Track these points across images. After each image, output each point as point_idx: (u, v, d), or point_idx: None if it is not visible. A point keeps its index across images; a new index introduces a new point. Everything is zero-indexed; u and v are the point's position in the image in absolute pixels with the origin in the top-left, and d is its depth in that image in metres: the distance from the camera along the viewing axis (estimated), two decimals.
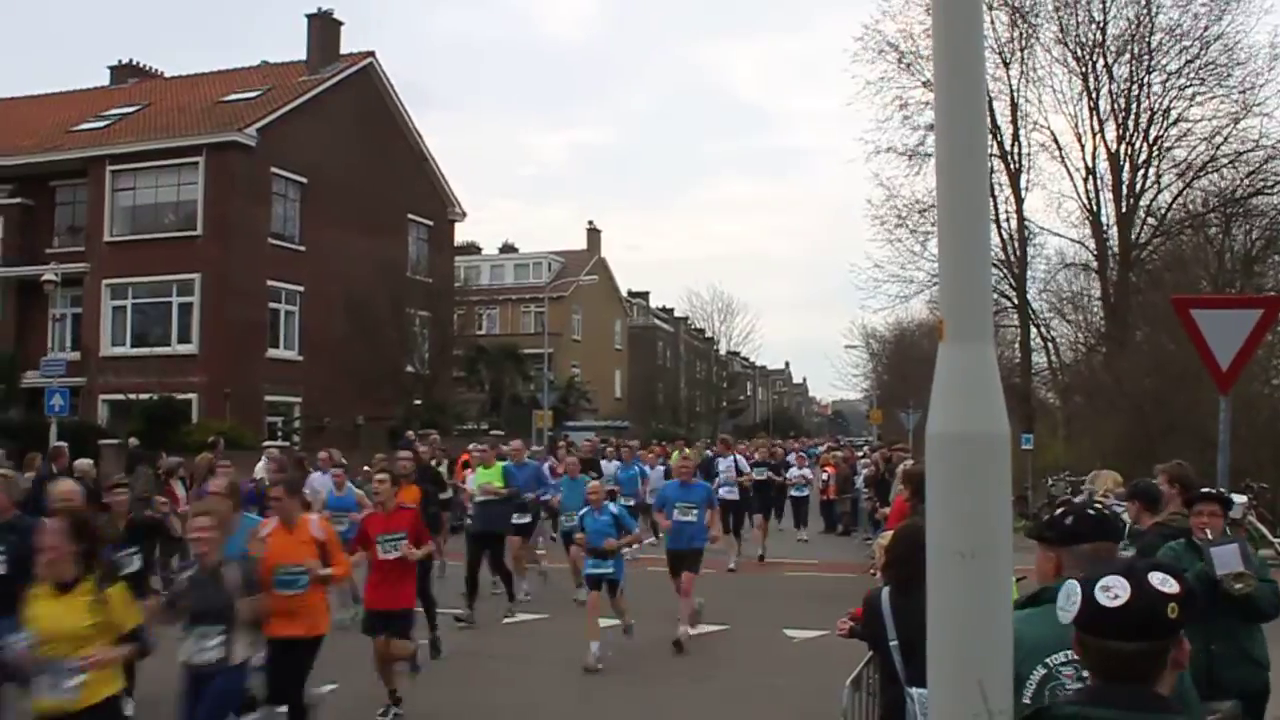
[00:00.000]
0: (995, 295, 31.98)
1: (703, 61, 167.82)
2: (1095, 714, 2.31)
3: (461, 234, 50.01)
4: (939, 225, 2.47)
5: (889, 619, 4.59)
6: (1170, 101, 29.45)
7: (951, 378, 2.34)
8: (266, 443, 25.99)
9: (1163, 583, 2.38)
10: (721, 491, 16.41)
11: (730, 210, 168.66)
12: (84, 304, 33.17)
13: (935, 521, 2.33)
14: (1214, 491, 6.05)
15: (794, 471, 23.13)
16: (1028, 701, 2.82)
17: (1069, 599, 2.38)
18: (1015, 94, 30.71)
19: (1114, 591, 2.34)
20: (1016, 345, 34.44)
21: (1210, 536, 5.76)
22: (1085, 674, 2.80)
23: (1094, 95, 30.20)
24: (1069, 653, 2.81)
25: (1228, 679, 5.42)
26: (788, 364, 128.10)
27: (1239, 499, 18.31)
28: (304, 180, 34.40)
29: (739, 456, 18.94)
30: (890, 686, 4.65)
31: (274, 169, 33.34)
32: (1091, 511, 3.27)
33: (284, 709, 7.34)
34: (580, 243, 68.10)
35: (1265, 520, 19.22)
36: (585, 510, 11.31)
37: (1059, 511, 3.32)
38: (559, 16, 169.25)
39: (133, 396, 29.99)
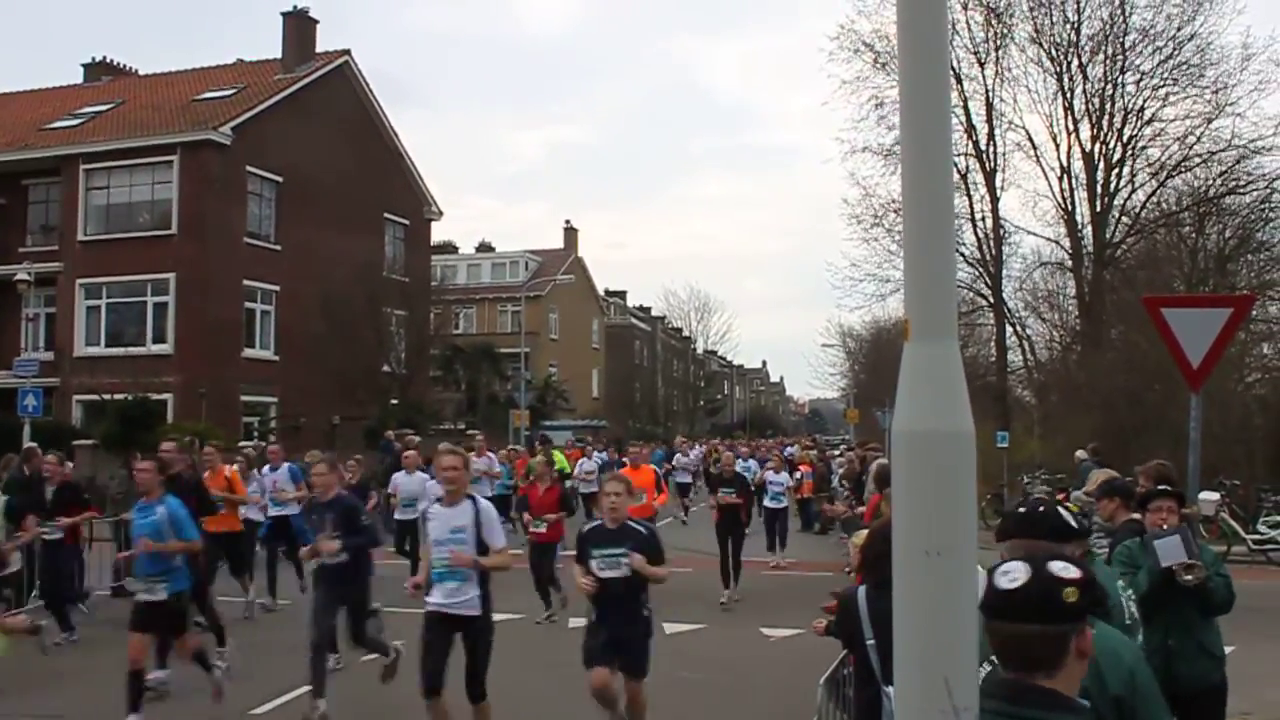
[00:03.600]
0: (971, 294, 32.30)
1: (684, 58, 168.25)
2: (983, 704, 2.35)
3: (438, 232, 49.99)
4: (904, 223, 2.48)
5: (866, 618, 4.60)
6: (1144, 101, 29.72)
7: (917, 375, 2.35)
8: (242, 443, 25.87)
9: (1062, 569, 2.50)
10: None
11: (709, 208, 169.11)
12: (57, 304, 33.00)
13: (901, 519, 2.34)
14: (1169, 489, 6.11)
15: (771, 477, 19.53)
16: None
17: (981, 586, 2.46)
18: (990, 94, 30.90)
19: (1012, 575, 2.49)
20: (992, 344, 34.66)
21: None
22: None
23: (1068, 95, 30.42)
24: None
25: (1185, 673, 5.50)
26: (765, 363, 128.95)
27: (1212, 496, 18.57)
28: (279, 179, 34.30)
29: (481, 502, 7.71)
30: (866, 686, 4.66)
31: (249, 168, 33.22)
32: (1022, 509, 3.37)
33: None
34: (557, 241, 68.12)
35: (1237, 517, 19.40)
36: None
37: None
38: (538, 12, 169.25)
39: (107, 397, 29.81)
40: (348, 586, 8.85)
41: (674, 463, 30.93)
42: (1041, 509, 3.46)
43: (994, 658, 2.57)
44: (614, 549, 7.48)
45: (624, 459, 22.39)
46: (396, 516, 16.22)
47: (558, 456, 21.19)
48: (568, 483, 22.38)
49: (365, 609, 9.04)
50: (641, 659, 7.69)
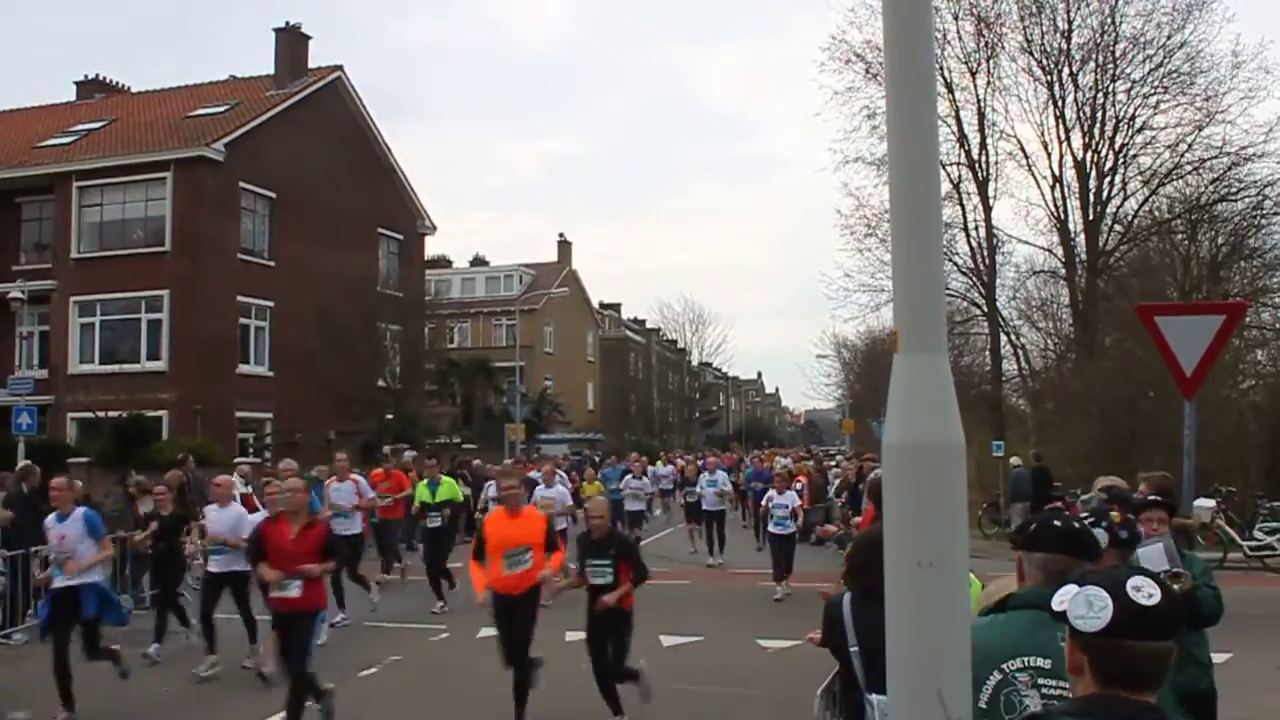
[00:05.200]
0: (965, 303, 32.38)
1: (678, 69, 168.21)
2: None
3: (432, 246, 50.06)
4: (892, 238, 2.49)
5: (850, 626, 4.61)
6: (1135, 109, 29.83)
7: (907, 388, 2.37)
8: (237, 459, 25.83)
9: (1170, 584, 2.42)
10: None
11: (703, 220, 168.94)
12: (51, 321, 32.90)
13: (893, 531, 2.35)
14: (1160, 499, 6.09)
15: (775, 499, 17.25)
16: (983, 707, 2.85)
17: (1093, 605, 2.31)
18: (982, 103, 31.01)
19: (1146, 591, 2.32)
20: (986, 353, 34.71)
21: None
22: (1042, 681, 2.84)
23: (1060, 104, 30.54)
24: (1025, 659, 2.85)
25: (1174, 681, 5.45)
26: (760, 374, 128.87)
27: (1207, 503, 18.57)
28: (273, 195, 34.28)
29: None
30: (851, 693, 4.66)
31: (242, 184, 33.19)
32: (1058, 523, 3.28)
33: None
34: (551, 254, 68.16)
35: (1233, 524, 19.41)
36: None
37: (1031, 518, 3.36)
38: (531, 25, 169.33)
39: (102, 414, 29.75)
40: None
41: (623, 485, 22.99)
42: (1079, 527, 3.34)
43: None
44: None
45: (482, 486, 20.07)
46: (210, 569, 11.38)
47: (447, 483, 16.31)
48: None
49: None
50: None
